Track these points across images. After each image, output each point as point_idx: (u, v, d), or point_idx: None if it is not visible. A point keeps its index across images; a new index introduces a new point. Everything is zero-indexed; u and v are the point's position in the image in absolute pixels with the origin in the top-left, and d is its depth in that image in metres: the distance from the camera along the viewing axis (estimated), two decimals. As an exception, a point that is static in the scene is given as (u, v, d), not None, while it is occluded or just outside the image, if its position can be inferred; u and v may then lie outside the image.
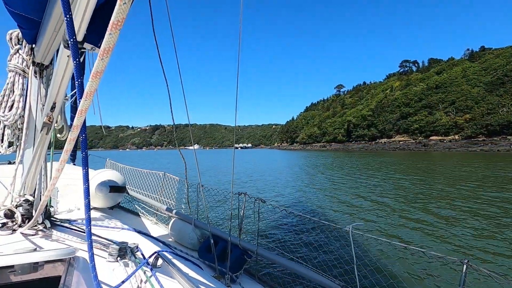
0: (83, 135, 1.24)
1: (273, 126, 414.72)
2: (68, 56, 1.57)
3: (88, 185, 1.34)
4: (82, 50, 1.57)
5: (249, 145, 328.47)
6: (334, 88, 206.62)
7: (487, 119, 79.48)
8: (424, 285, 4.25)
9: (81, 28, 1.35)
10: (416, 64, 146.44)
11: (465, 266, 1.90)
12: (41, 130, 2.03)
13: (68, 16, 1.01)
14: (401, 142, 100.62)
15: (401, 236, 7.13)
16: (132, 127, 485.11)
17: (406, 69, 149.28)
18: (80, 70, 1.09)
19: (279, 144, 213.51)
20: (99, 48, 1.53)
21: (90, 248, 1.44)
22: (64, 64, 1.63)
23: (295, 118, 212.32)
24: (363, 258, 3.58)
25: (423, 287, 4.18)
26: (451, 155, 52.25)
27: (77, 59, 1.05)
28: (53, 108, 1.97)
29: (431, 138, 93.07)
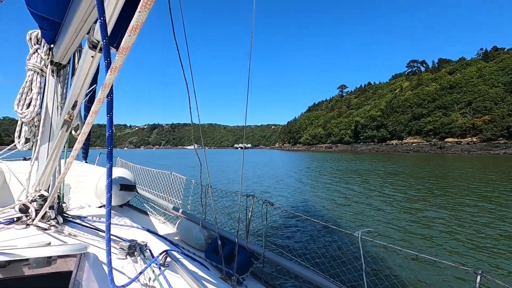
0: (110, 131, 1.31)
1: (272, 127, 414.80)
2: (92, 56, 1.66)
3: (111, 180, 1.42)
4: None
5: (249, 145, 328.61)
6: (337, 88, 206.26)
7: (508, 121, 76.68)
8: None
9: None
10: (424, 64, 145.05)
11: (479, 277, 1.89)
12: (61, 128, 2.12)
13: (102, 19, 1.10)
14: (414, 144, 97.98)
15: (412, 243, 7.17)
16: (130, 126, 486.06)
17: (414, 69, 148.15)
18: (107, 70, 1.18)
19: (280, 144, 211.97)
20: (114, 47, 1.62)
21: (108, 242, 1.52)
22: (88, 64, 1.72)
23: (296, 119, 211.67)
24: (372, 265, 3.63)
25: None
26: (473, 159, 50.31)
27: (108, 59, 1.14)
28: (74, 106, 2.06)
29: (446, 140, 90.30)
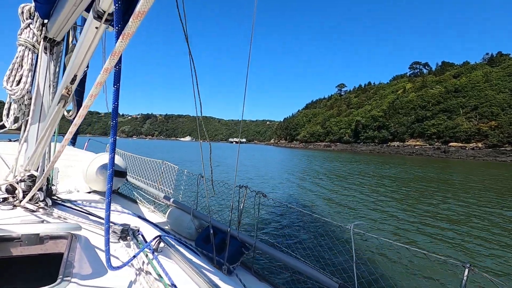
0: (114, 121, 1.29)
1: (268, 123, 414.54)
2: (96, 27, 1.59)
3: (113, 171, 1.40)
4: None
5: (244, 140, 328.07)
6: (336, 87, 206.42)
7: None
8: (424, 286, 4.39)
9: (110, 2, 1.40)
10: (427, 67, 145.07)
11: (467, 270, 1.95)
12: (58, 103, 2.07)
13: None
14: (416, 147, 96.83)
15: (403, 237, 7.34)
16: (123, 115, 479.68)
17: (416, 71, 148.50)
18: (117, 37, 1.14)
19: (276, 141, 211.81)
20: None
21: (108, 221, 1.50)
22: (92, 36, 1.65)
23: (292, 116, 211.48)
24: (363, 257, 3.71)
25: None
26: (481, 165, 50.00)
27: (119, 25, 1.10)
28: (73, 80, 2.00)
29: (450, 144, 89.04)
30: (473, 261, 5.95)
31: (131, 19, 0.92)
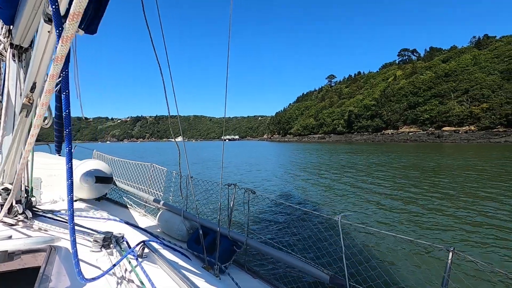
0: (68, 129, 1.22)
1: (259, 118, 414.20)
2: (49, 31, 1.53)
3: (72, 181, 1.32)
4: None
5: (236, 136, 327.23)
6: (326, 78, 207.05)
7: (507, 109, 75.35)
8: (412, 272, 4.50)
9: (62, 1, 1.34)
10: (415, 53, 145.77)
11: (451, 254, 2.02)
12: (20, 113, 1.99)
13: None
14: (410, 134, 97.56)
15: (390, 226, 7.45)
16: (112, 119, 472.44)
17: (405, 58, 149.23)
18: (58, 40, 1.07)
19: (269, 136, 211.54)
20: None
21: (72, 233, 1.43)
22: (45, 41, 1.59)
23: (284, 109, 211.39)
24: (352, 248, 3.76)
25: (411, 275, 4.42)
26: (476, 147, 49.92)
27: (60, 28, 1.04)
28: (33, 88, 1.93)
29: (443, 129, 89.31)
30: (459, 246, 6.09)
31: (67, 22, 0.87)
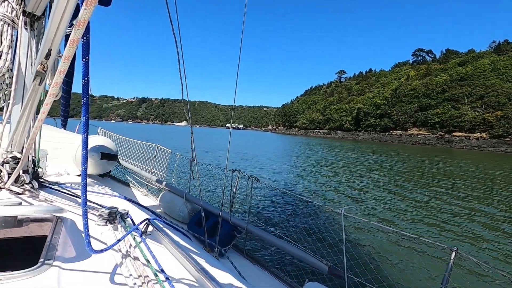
0: (86, 98, 1.20)
1: (265, 109, 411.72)
2: None
3: (87, 151, 1.31)
4: None
5: (241, 125, 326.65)
6: (336, 73, 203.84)
7: None
8: (412, 269, 4.54)
9: None
10: (430, 54, 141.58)
11: (453, 254, 2.01)
12: (34, 80, 1.97)
13: None
14: (419, 136, 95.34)
15: (394, 222, 7.48)
16: (118, 98, 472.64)
17: (419, 58, 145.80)
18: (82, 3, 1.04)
19: (274, 127, 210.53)
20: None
21: (84, 204, 1.42)
22: (63, 6, 1.54)
23: (291, 102, 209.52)
24: (353, 241, 3.79)
25: (411, 272, 4.46)
26: (488, 155, 49.17)
27: None
28: (48, 55, 1.90)
29: (454, 134, 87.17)
30: (461, 246, 6.10)
31: (83, 6, 0.84)
